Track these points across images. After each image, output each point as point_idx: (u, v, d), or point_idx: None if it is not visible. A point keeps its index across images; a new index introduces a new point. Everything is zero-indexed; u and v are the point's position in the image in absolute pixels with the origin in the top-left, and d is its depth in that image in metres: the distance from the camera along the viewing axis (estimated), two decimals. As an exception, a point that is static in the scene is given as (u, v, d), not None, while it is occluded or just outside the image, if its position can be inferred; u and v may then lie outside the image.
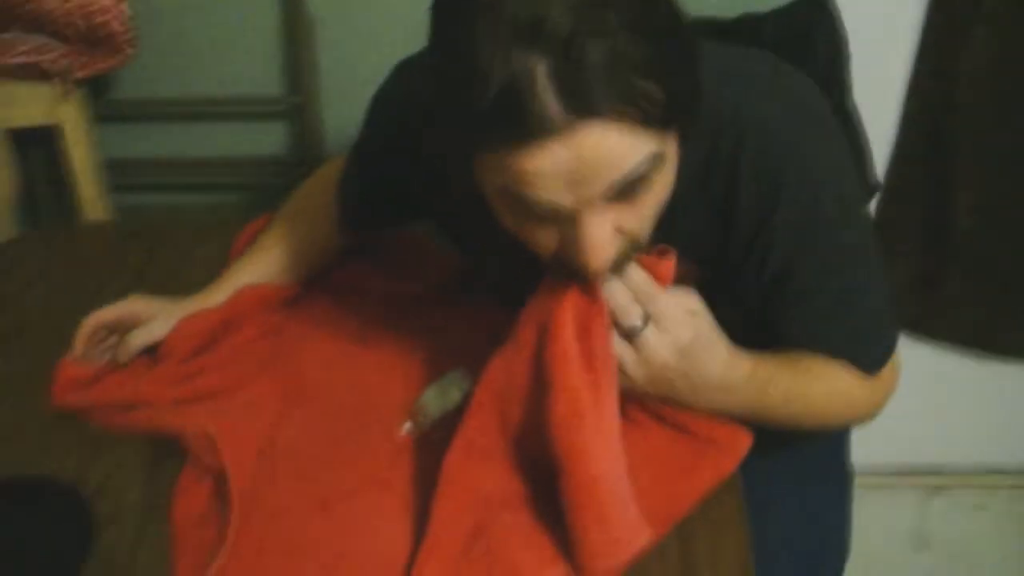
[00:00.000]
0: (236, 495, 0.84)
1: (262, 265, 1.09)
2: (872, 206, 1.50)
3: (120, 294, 1.06)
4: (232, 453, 0.88)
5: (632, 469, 0.77)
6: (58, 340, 1.03)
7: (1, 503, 0.87)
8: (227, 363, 1.01)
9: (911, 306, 1.56)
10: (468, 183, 0.72)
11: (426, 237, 1.17)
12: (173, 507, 0.86)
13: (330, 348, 1.05)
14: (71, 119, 1.36)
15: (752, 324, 0.84)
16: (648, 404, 0.84)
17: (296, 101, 1.42)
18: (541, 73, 0.61)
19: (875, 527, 1.73)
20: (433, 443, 0.88)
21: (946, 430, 1.75)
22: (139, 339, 1.01)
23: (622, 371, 0.77)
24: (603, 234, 0.69)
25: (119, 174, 1.46)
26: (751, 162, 0.79)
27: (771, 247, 0.82)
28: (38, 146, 1.43)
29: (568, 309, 0.75)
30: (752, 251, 0.83)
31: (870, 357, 0.88)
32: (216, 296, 1.06)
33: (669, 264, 0.76)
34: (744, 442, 0.84)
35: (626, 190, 0.67)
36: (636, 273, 0.75)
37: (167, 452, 0.92)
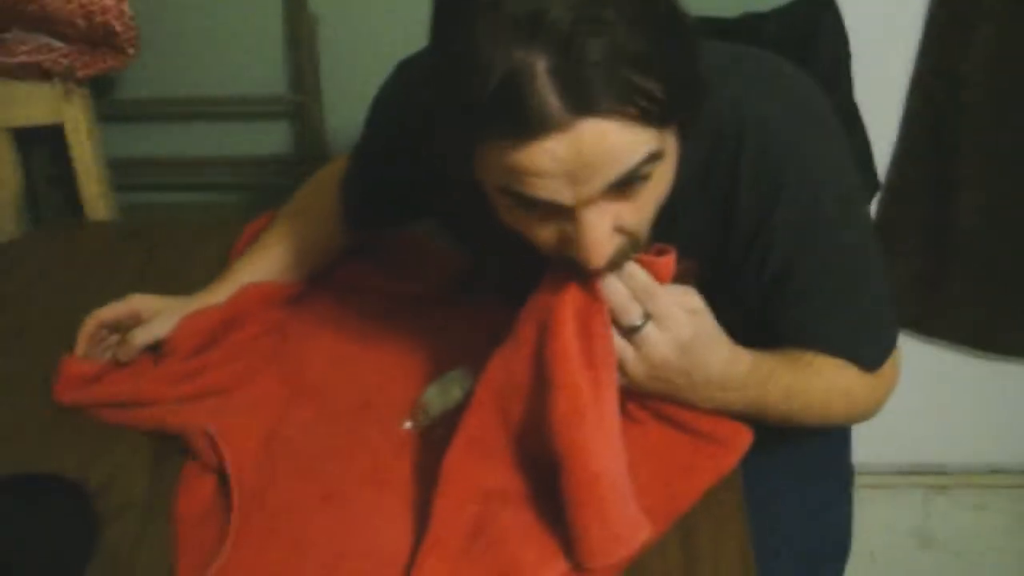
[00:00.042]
0: (238, 492, 0.85)
1: (264, 263, 1.09)
2: (874, 205, 1.50)
3: (122, 293, 1.06)
4: (234, 450, 0.88)
5: (632, 466, 0.77)
6: (61, 338, 1.03)
7: (6, 500, 0.88)
8: (229, 361, 1.01)
9: (911, 305, 1.56)
10: (469, 181, 0.73)
11: (426, 237, 1.17)
12: (176, 504, 0.87)
13: (332, 346, 1.05)
14: (74, 118, 1.36)
15: (752, 324, 0.84)
16: (648, 401, 0.84)
17: (298, 100, 1.42)
18: (541, 69, 0.61)
19: (878, 526, 1.73)
20: (434, 440, 0.88)
21: (949, 430, 1.76)
22: (141, 337, 1.01)
23: (622, 368, 0.77)
24: (602, 230, 0.69)
25: (122, 173, 1.46)
26: (751, 162, 0.79)
27: (771, 247, 0.82)
28: (41, 145, 1.44)
29: (568, 307, 0.75)
30: (752, 251, 0.83)
31: (870, 355, 0.88)
32: (218, 294, 1.06)
33: (669, 262, 0.76)
34: (745, 439, 0.84)
35: (625, 186, 0.68)
36: (636, 271, 0.75)
37: (170, 449, 0.93)
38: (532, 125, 0.62)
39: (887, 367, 0.89)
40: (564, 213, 0.69)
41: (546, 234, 0.72)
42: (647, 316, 0.76)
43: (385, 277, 1.13)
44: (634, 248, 0.74)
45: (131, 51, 1.30)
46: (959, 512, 1.79)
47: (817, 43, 1.17)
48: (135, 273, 1.22)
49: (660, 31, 0.64)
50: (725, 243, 0.84)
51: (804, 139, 0.81)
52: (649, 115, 0.64)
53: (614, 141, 0.64)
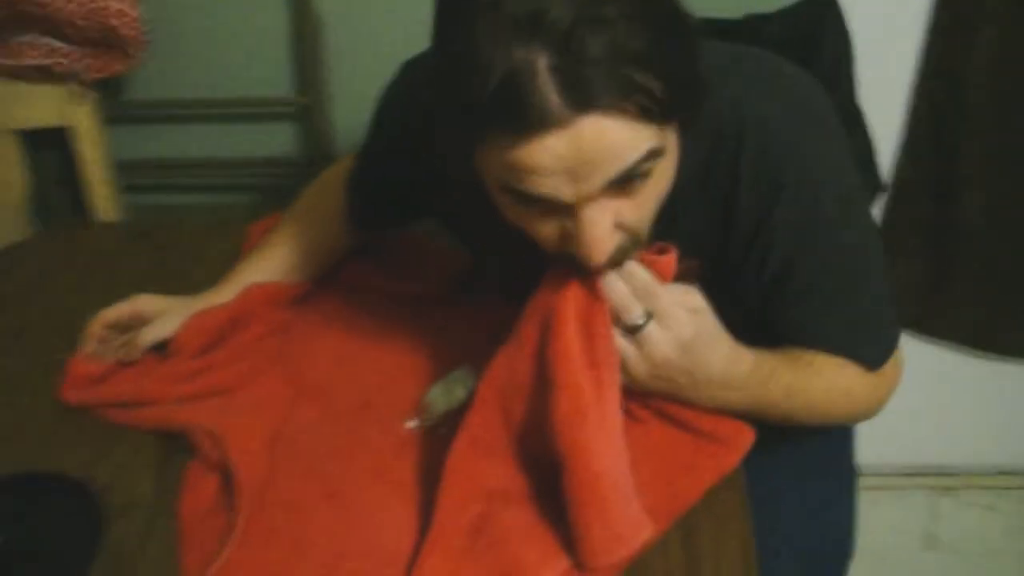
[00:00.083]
0: (242, 490, 0.85)
1: (270, 264, 1.10)
2: (878, 206, 1.50)
3: (129, 293, 1.07)
4: (239, 449, 0.89)
5: (634, 465, 0.77)
6: (68, 338, 1.04)
7: (12, 498, 0.88)
8: (234, 361, 1.02)
9: (913, 306, 1.56)
10: (470, 181, 0.73)
11: (426, 237, 1.17)
12: (181, 501, 0.87)
13: (337, 346, 1.05)
14: (83, 120, 1.37)
15: (752, 324, 0.84)
16: (650, 400, 0.84)
17: (305, 102, 1.42)
18: (541, 66, 0.61)
19: (884, 527, 1.73)
20: (437, 439, 0.89)
21: (956, 431, 1.75)
22: (148, 336, 1.02)
23: (624, 367, 0.77)
24: (603, 227, 0.70)
25: (129, 175, 1.47)
26: (751, 162, 0.80)
27: (771, 247, 0.82)
28: (50, 147, 1.44)
29: (570, 306, 0.76)
30: (752, 251, 0.83)
31: (871, 354, 0.88)
32: (224, 294, 1.06)
33: (670, 260, 0.77)
34: (747, 438, 0.84)
35: (626, 183, 0.68)
36: (637, 270, 0.75)
37: (175, 447, 0.93)
38: (532, 122, 0.63)
39: (889, 366, 0.89)
40: (565, 210, 0.69)
41: (547, 231, 0.73)
42: (648, 315, 0.76)
43: (386, 277, 1.14)
44: (635, 246, 0.74)
45: (141, 54, 1.31)
46: (965, 514, 1.78)
47: (821, 44, 1.17)
48: (142, 274, 1.22)
49: (661, 29, 0.64)
50: (725, 243, 0.84)
51: (804, 139, 0.81)
52: (649, 112, 0.64)
53: (614, 138, 0.64)
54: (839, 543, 1.06)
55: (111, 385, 1.00)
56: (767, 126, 0.79)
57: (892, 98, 1.43)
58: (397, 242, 1.18)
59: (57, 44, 1.30)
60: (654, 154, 0.68)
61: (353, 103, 1.40)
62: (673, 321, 0.76)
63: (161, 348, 1.03)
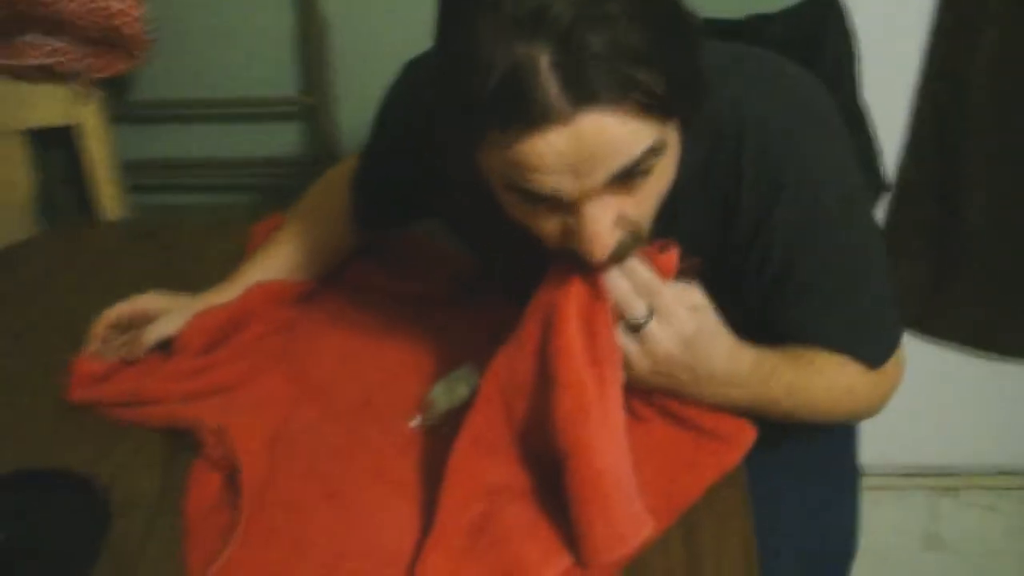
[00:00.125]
0: (247, 488, 0.85)
1: (274, 263, 1.10)
2: (882, 207, 1.50)
3: (134, 292, 1.07)
4: (243, 447, 0.89)
5: (636, 462, 0.77)
6: (74, 336, 1.05)
7: (17, 495, 0.89)
8: (239, 358, 1.02)
9: (915, 306, 1.56)
10: (472, 180, 0.73)
11: (427, 237, 1.18)
12: (185, 498, 0.87)
13: (340, 344, 1.06)
14: (88, 120, 1.37)
15: (753, 323, 0.84)
16: (653, 398, 0.85)
17: (310, 102, 1.43)
18: (543, 63, 0.62)
19: (885, 527, 1.73)
20: (439, 438, 0.89)
21: (957, 431, 1.75)
22: (152, 334, 1.02)
23: (626, 364, 0.78)
24: (604, 223, 0.70)
25: (134, 174, 1.48)
26: (751, 162, 0.80)
27: (771, 246, 0.82)
28: (56, 146, 1.45)
29: (572, 303, 0.76)
30: (752, 250, 0.83)
31: (872, 353, 0.88)
32: (228, 293, 1.07)
33: (672, 258, 0.77)
34: (748, 436, 0.84)
35: (627, 179, 0.68)
36: (639, 266, 0.76)
37: (179, 445, 0.93)
38: (534, 118, 0.63)
39: (890, 365, 0.89)
40: (567, 207, 0.70)
41: (549, 228, 0.73)
42: (651, 311, 0.76)
43: (389, 277, 1.14)
44: (636, 242, 0.75)
45: (141, 53, 1.31)
46: (966, 514, 1.78)
47: (825, 44, 1.17)
48: (146, 273, 1.22)
49: (662, 27, 0.65)
50: (725, 243, 0.84)
51: (805, 139, 0.81)
52: (650, 109, 0.65)
53: (615, 133, 0.65)
54: (840, 544, 1.06)
55: (115, 383, 1.01)
56: (767, 126, 0.79)
57: (895, 99, 1.43)
58: (400, 242, 1.18)
59: (59, 44, 1.31)
60: (655, 151, 0.68)
61: (358, 103, 1.40)
62: (675, 318, 0.76)
63: (165, 347, 1.03)
